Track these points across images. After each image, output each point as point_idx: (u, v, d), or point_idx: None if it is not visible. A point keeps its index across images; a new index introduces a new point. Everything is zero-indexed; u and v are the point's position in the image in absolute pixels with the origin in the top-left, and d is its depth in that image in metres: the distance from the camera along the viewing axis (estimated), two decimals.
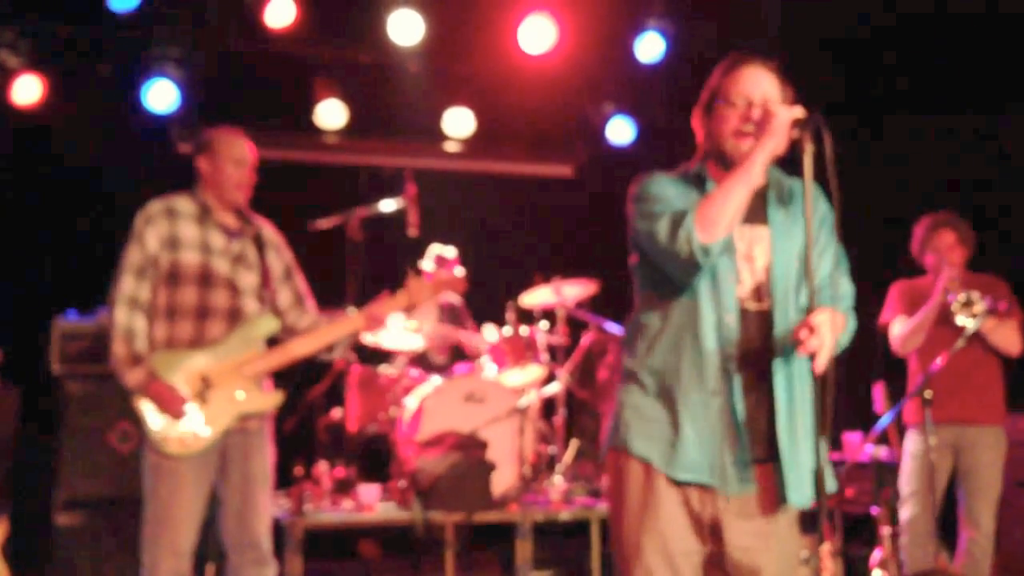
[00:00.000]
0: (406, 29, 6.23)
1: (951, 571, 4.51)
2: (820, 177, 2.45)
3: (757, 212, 2.56)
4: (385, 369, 5.89)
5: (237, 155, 3.65)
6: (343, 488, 5.35)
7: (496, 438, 5.36)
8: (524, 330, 5.89)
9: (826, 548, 2.53)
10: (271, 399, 3.59)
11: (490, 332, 6.03)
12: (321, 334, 3.66)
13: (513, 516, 5.08)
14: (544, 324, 5.97)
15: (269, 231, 3.78)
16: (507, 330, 5.90)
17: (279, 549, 4.06)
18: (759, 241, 2.55)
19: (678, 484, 2.47)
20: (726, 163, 2.54)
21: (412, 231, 5.43)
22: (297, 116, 6.61)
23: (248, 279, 3.63)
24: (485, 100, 6.84)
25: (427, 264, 6.18)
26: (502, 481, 5.31)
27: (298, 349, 3.62)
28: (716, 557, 2.50)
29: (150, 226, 3.54)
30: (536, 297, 5.96)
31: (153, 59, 6.19)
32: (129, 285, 3.49)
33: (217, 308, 3.53)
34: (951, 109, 5.97)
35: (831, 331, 2.36)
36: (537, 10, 6.34)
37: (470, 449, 5.16)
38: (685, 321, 2.50)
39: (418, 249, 6.07)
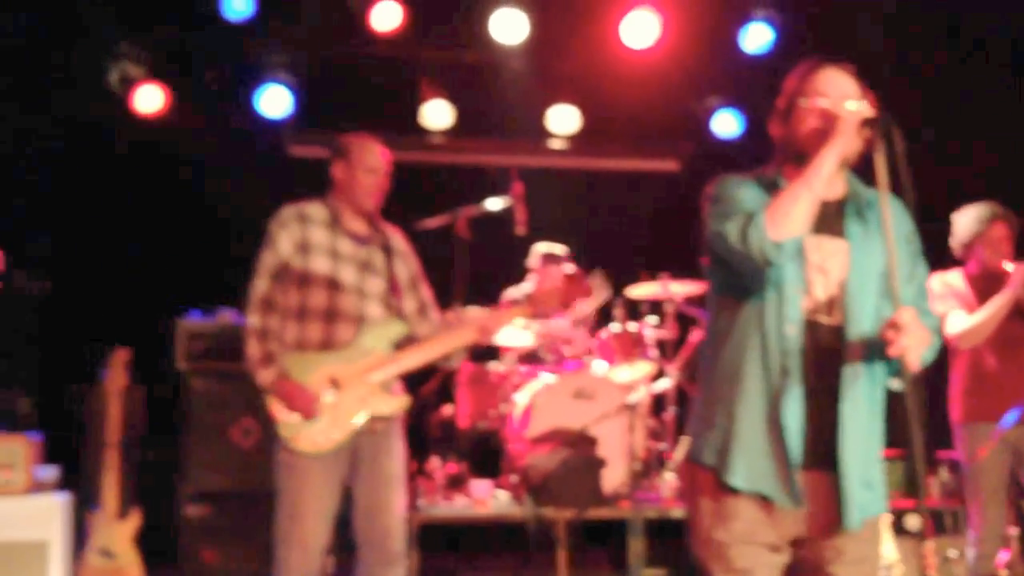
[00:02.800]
0: (510, 28, 6.27)
1: None
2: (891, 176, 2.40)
3: (835, 225, 2.53)
4: (495, 366, 5.94)
5: (370, 162, 3.71)
6: (455, 483, 5.42)
7: (606, 435, 5.36)
8: (632, 326, 5.87)
9: (930, 547, 2.49)
10: (399, 402, 3.65)
11: (599, 329, 6.03)
12: (439, 343, 3.71)
13: (624, 513, 5.08)
14: (652, 320, 5.94)
15: (398, 239, 3.84)
16: (615, 326, 5.89)
17: None
18: (835, 254, 2.51)
19: (744, 495, 2.46)
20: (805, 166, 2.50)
21: (519, 229, 5.45)
22: (404, 117, 6.71)
23: (374, 285, 3.69)
24: (589, 96, 6.84)
25: (533, 261, 6.21)
26: (613, 478, 5.31)
27: (419, 357, 3.67)
28: (792, 569, 2.50)
29: (283, 231, 3.62)
30: (643, 291, 5.94)
31: (265, 66, 6.36)
32: (263, 287, 3.58)
33: (345, 312, 3.59)
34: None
35: (919, 333, 2.33)
36: (640, 4, 6.31)
37: (580, 445, 5.17)
38: (750, 328, 2.49)
39: (526, 247, 6.10)
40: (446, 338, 3.72)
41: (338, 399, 3.53)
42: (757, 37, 6.47)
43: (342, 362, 3.56)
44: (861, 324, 2.47)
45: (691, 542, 2.58)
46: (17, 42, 5.54)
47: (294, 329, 3.57)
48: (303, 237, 3.62)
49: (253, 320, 3.55)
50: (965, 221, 4.59)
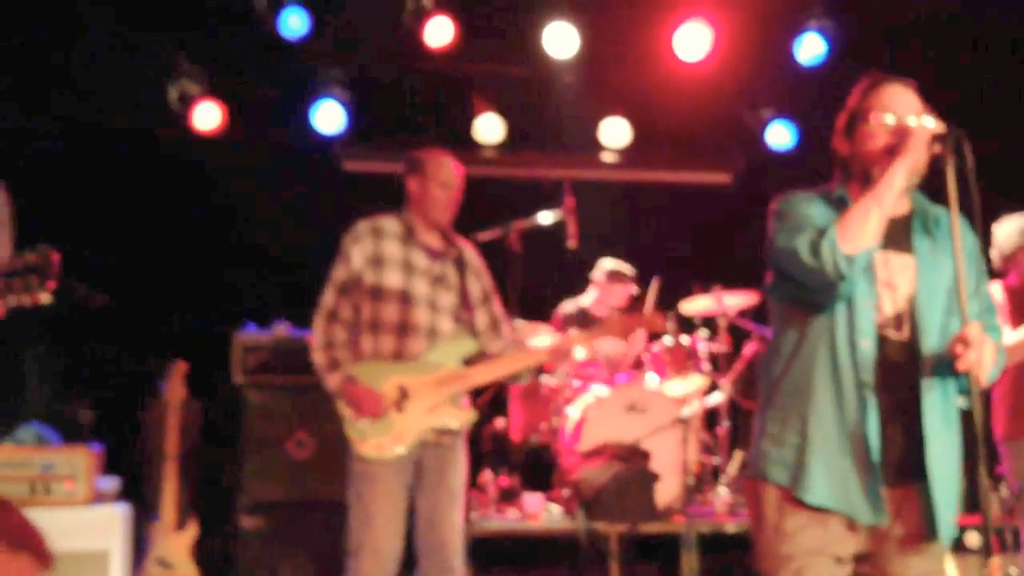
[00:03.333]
0: (561, 42, 6.29)
1: None
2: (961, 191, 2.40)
3: (901, 240, 2.53)
4: (547, 379, 5.94)
5: (444, 177, 3.78)
6: (508, 497, 5.43)
7: (659, 448, 5.34)
8: (685, 339, 5.84)
9: (995, 564, 2.46)
10: (465, 416, 3.69)
11: (649, 342, 6.01)
12: (511, 362, 3.77)
13: (678, 527, 5.05)
14: (705, 333, 5.90)
15: (471, 254, 3.90)
16: (668, 340, 5.86)
17: None
18: (903, 270, 2.52)
19: (814, 509, 2.44)
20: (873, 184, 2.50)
21: (571, 242, 5.45)
22: (456, 131, 6.76)
23: (447, 299, 3.75)
24: (641, 109, 6.83)
25: (597, 275, 6.20)
26: (666, 492, 5.28)
27: (489, 374, 3.75)
28: None
29: (356, 245, 3.71)
30: (696, 306, 5.91)
31: (320, 82, 6.45)
32: (330, 300, 3.69)
33: (417, 325, 3.65)
34: None
35: (987, 348, 2.34)
36: (692, 16, 6.29)
37: (633, 459, 5.16)
38: (820, 344, 2.49)
39: (577, 260, 6.10)
40: (518, 358, 3.79)
41: (407, 409, 3.58)
42: (810, 48, 6.42)
43: (413, 373, 3.61)
44: (930, 339, 2.48)
45: (755, 559, 2.57)
46: (78, 60, 5.67)
47: (368, 341, 3.65)
48: (376, 251, 3.69)
49: (317, 331, 3.66)
50: (1006, 232, 4.50)
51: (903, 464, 2.44)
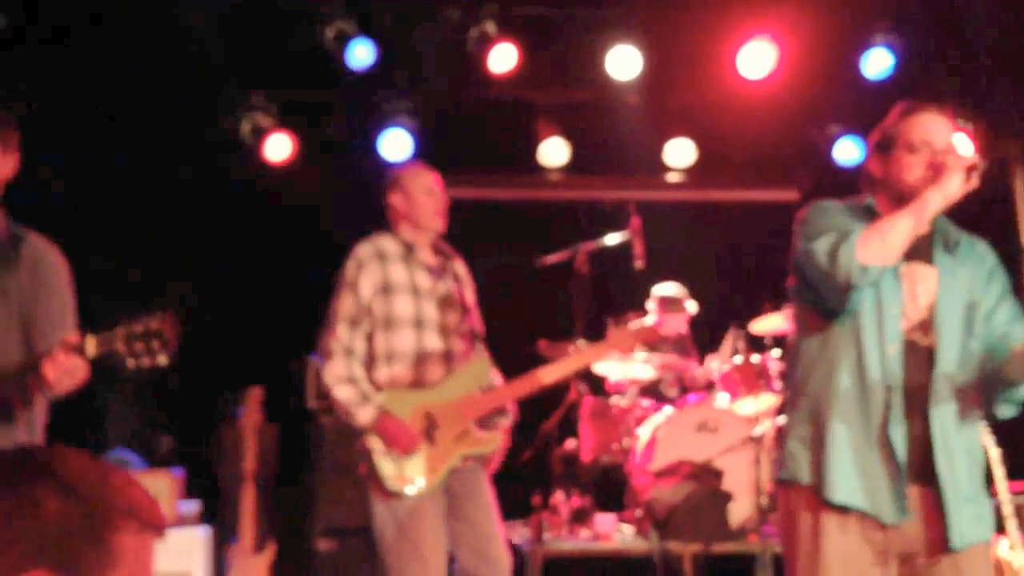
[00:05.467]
0: (624, 64, 6.32)
1: None
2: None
3: (923, 253, 2.59)
4: (617, 400, 5.94)
5: (426, 184, 3.68)
6: (580, 517, 5.43)
7: (731, 468, 5.30)
8: (755, 358, 5.81)
9: None
10: (494, 441, 3.59)
11: (717, 361, 5.98)
12: (530, 381, 3.65)
13: (752, 547, 5.01)
14: (776, 352, 5.86)
15: (460, 266, 3.79)
16: (738, 359, 5.83)
17: None
18: (924, 279, 2.58)
19: (845, 511, 2.47)
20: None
21: (638, 263, 5.47)
22: (522, 156, 6.82)
23: (453, 319, 3.63)
24: (706, 129, 6.82)
25: (651, 302, 6.21)
26: (739, 512, 5.24)
27: (510, 395, 3.63)
28: None
29: (363, 273, 3.54)
30: (767, 324, 5.87)
31: (387, 111, 6.57)
32: (344, 335, 3.48)
33: (432, 351, 3.53)
34: None
35: None
36: (756, 34, 6.28)
37: (705, 479, 5.13)
38: (844, 348, 2.53)
39: (644, 281, 6.10)
40: (536, 378, 3.65)
41: (436, 438, 3.47)
42: (878, 63, 6.36)
43: (435, 401, 3.49)
44: (951, 345, 2.53)
45: (787, 564, 2.60)
46: (154, 95, 5.85)
47: (384, 372, 3.50)
48: (384, 277, 3.53)
49: (338, 366, 3.45)
50: None
51: (924, 464, 2.48)
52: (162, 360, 2.44)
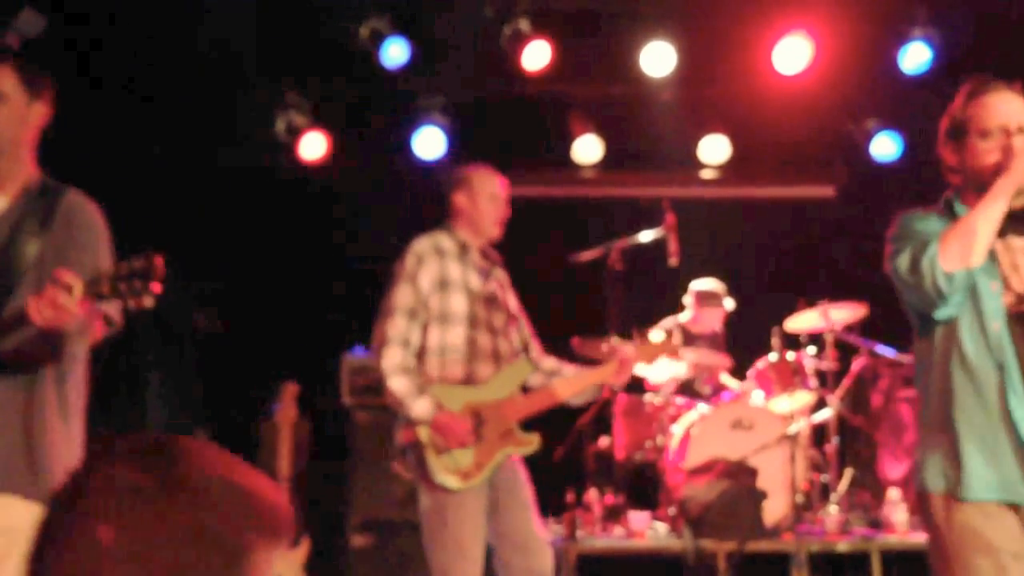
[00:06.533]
0: (658, 60, 6.30)
1: None
2: None
3: (1019, 226, 2.51)
4: (651, 397, 5.92)
5: (493, 190, 3.74)
6: (613, 515, 5.42)
7: (766, 466, 5.27)
8: (791, 356, 5.76)
9: None
10: (534, 442, 3.62)
11: (756, 359, 5.94)
12: (570, 384, 3.72)
13: (787, 546, 4.97)
14: (812, 349, 5.81)
15: (503, 273, 3.85)
16: (773, 356, 5.79)
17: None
18: (1023, 251, 2.50)
19: (985, 505, 2.41)
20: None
21: (672, 260, 5.43)
22: (555, 153, 6.81)
23: (499, 320, 3.69)
24: (740, 125, 6.78)
25: (688, 297, 6.18)
26: (774, 510, 5.20)
27: (559, 395, 3.69)
28: None
29: (422, 267, 3.58)
30: (802, 322, 5.82)
31: (421, 109, 6.59)
32: (402, 326, 3.52)
33: (483, 350, 3.59)
34: None
35: None
36: (792, 29, 6.23)
37: (739, 477, 5.10)
38: (948, 343, 2.47)
39: (679, 278, 6.08)
40: (575, 382, 3.72)
41: (483, 435, 3.51)
42: (915, 57, 6.29)
43: (484, 397, 3.54)
44: None
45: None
46: (189, 95, 5.91)
47: (435, 366, 3.54)
48: (441, 273, 3.59)
49: (394, 356, 3.49)
50: None
51: None
52: (147, 301, 2.38)
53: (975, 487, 2.40)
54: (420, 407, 3.44)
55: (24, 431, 2.56)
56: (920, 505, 2.56)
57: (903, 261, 2.42)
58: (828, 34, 6.23)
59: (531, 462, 3.73)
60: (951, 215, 2.52)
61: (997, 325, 2.42)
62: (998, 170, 2.43)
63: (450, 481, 3.44)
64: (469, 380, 3.56)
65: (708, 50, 6.41)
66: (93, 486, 1.06)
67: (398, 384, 3.47)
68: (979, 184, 2.48)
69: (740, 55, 6.43)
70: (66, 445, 2.62)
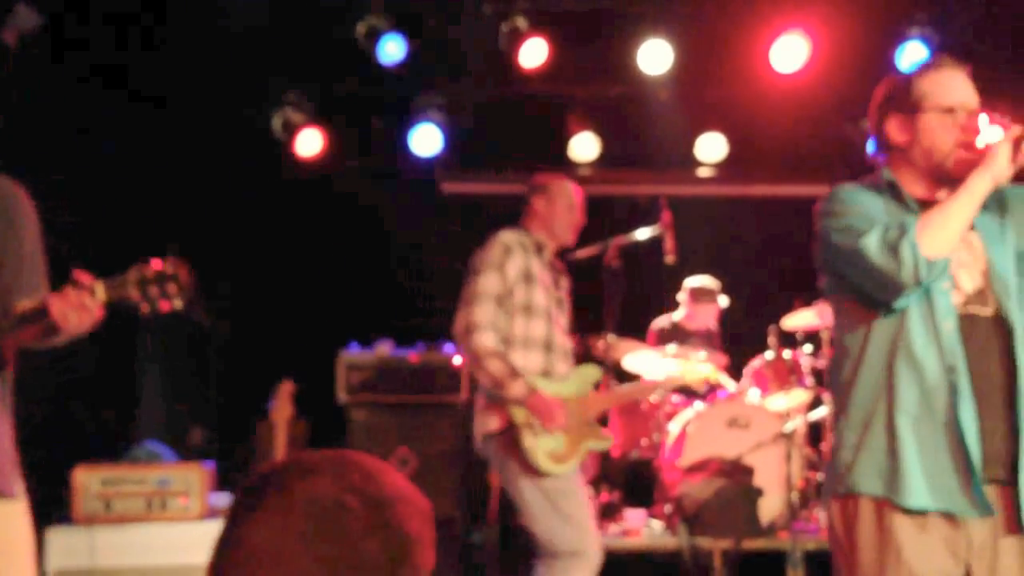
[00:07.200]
0: (655, 59, 6.29)
1: None
2: None
3: None
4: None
5: (572, 198, 3.90)
6: (609, 513, 5.42)
7: (762, 464, 5.27)
8: (787, 354, 5.76)
9: None
10: (609, 438, 3.89)
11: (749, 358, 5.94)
12: (627, 393, 4.40)
13: (783, 544, 4.98)
14: (808, 347, 5.81)
15: (566, 282, 4.01)
16: (769, 354, 5.79)
17: None
18: (969, 246, 2.38)
19: (916, 514, 2.27)
20: (946, 178, 2.38)
21: (669, 258, 5.44)
22: (552, 151, 6.81)
23: (563, 321, 3.85)
24: (737, 124, 6.78)
25: (683, 294, 6.18)
26: (770, 508, 5.21)
27: (611, 402, 4.02)
28: None
29: (509, 258, 3.68)
30: (799, 320, 5.82)
31: (418, 107, 6.58)
32: (490, 311, 3.60)
33: (559, 345, 3.73)
34: None
35: None
36: (789, 28, 6.23)
37: (735, 475, 5.10)
38: (893, 336, 2.32)
39: (676, 276, 6.08)
40: (632, 392, 4.34)
41: (570, 426, 3.62)
42: (912, 56, 6.29)
43: (566, 391, 3.68)
44: (1015, 308, 2.34)
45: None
46: (190, 93, 5.90)
47: (519, 355, 3.64)
48: (526, 266, 3.70)
49: (486, 341, 3.55)
50: None
51: (1000, 454, 2.28)
52: (178, 304, 2.39)
53: (915, 493, 2.24)
54: (519, 387, 3.53)
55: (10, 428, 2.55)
56: (839, 510, 2.37)
57: (872, 244, 2.27)
58: (825, 33, 6.23)
59: None
60: (895, 196, 2.41)
61: (949, 325, 2.29)
62: (962, 148, 2.34)
63: (548, 464, 3.55)
64: (547, 374, 3.68)
65: (705, 49, 6.40)
66: (295, 497, 1.18)
67: (495, 366, 3.54)
68: (932, 163, 2.38)
69: (738, 54, 6.42)
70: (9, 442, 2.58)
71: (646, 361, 5.67)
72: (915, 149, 2.41)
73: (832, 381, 2.50)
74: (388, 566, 1.18)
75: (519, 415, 3.54)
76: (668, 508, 5.26)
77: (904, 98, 2.42)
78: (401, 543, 1.19)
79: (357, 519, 1.17)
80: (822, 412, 5.76)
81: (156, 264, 2.39)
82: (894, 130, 2.45)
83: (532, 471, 3.56)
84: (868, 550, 2.30)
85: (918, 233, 2.26)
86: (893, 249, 2.26)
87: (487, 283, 3.62)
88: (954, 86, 2.39)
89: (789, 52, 6.26)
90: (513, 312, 3.64)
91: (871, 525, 2.31)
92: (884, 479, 2.30)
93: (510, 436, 3.57)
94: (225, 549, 1.19)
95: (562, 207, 3.86)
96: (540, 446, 3.55)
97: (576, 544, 3.58)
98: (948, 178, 2.38)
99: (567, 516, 3.58)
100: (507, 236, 3.74)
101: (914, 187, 2.43)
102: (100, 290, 2.35)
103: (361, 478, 1.21)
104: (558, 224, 3.85)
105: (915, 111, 2.40)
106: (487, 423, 3.65)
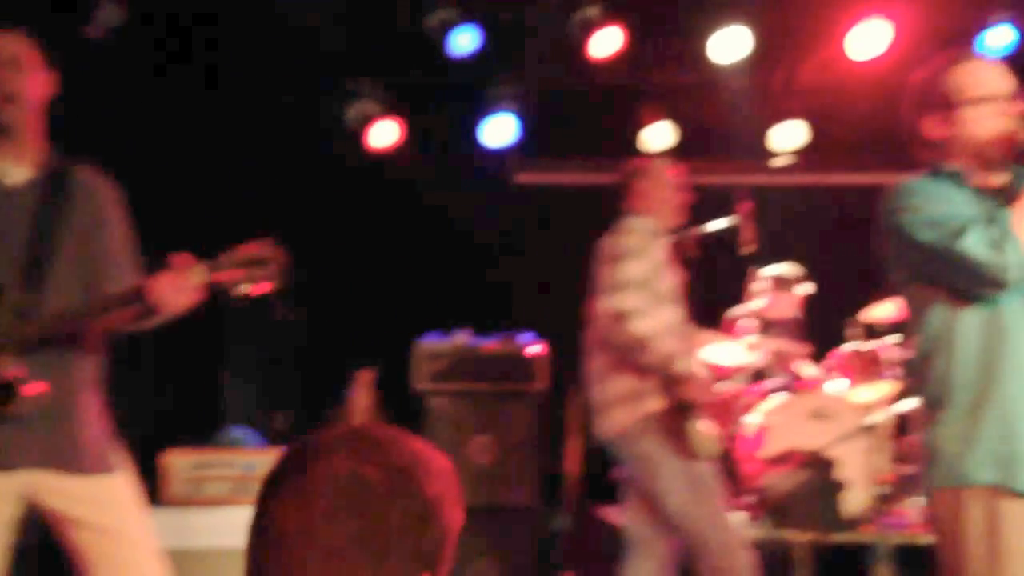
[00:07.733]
0: (730, 46, 6.20)
1: None
2: None
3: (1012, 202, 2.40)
4: (724, 385, 5.83)
5: (671, 180, 3.87)
6: None
7: (845, 457, 5.16)
8: (871, 345, 5.64)
9: None
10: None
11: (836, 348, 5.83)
12: None
13: (869, 538, 4.87)
14: (895, 338, 5.68)
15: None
16: (854, 344, 5.68)
17: None
18: None
19: None
20: (991, 164, 2.42)
21: (748, 248, 5.37)
22: (625, 140, 6.75)
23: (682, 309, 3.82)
24: (816, 110, 6.67)
25: (763, 283, 6.08)
26: (855, 501, 5.10)
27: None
28: None
29: (647, 245, 3.68)
30: (883, 311, 5.70)
31: (490, 98, 6.57)
32: (637, 298, 3.57)
33: (685, 331, 3.74)
34: None
35: None
36: (869, 13, 6.10)
37: (819, 467, 5.01)
38: (988, 325, 2.34)
39: (754, 266, 5.98)
40: None
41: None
42: (998, 39, 6.12)
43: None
44: None
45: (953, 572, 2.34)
46: (267, 87, 5.96)
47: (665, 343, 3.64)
48: (659, 253, 3.70)
49: (644, 325, 3.53)
50: None
51: None
52: (267, 288, 2.41)
53: None
54: (685, 365, 3.55)
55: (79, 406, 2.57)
56: (946, 502, 2.36)
57: (974, 240, 2.28)
58: (907, 17, 6.09)
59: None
60: (961, 187, 2.43)
61: None
62: (1001, 138, 2.38)
63: (709, 444, 3.57)
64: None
65: (782, 36, 6.31)
66: (314, 477, 1.22)
67: (657, 349, 3.52)
68: (977, 155, 2.42)
69: (814, 40, 6.32)
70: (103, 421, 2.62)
71: (725, 352, 5.60)
72: (956, 143, 2.46)
73: (919, 374, 2.47)
74: (416, 529, 1.22)
75: (687, 392, 3.53)
76: (749, 499, 5.17)
77: (939, 95, 2.46)
78: (424, 505, 1.23)
79: (376, 490, 1.21)
80: (910, 405, 5.62)
81: (254, 247, 2.41)
82: (933, 128, 2.49)
83: (687, 452, 3.55)
84: (978, 541, 2.29)
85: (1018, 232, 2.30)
86: (999, 248, 2.28)
87: (629, 270, 3.59)
88: (987, 76, 2.43)
89: (870, 37, 6.14)
90: (656, 298, 3.61)
91: (983, 515, 2.30)
92: (1000, 466, 2.30)
93: (672, 417, 3.55)
94: (257, 535, 1.22)
95: (667, 190, 3.83)
96: (702, 427, 3.56)
97: (723, 543, 3.57)
98: (993, 164, 2.43)
99: (718, 511, 3.60)
100: (641, 223, 3.72)
101: (979, 181, 2.47)
102: (199, 272, 2.37)
103: (375, 449, 1.25)
104: (664, 207, 3.82)
105: (953, 106, 2.44)
106: (642, 405, 3.60)
